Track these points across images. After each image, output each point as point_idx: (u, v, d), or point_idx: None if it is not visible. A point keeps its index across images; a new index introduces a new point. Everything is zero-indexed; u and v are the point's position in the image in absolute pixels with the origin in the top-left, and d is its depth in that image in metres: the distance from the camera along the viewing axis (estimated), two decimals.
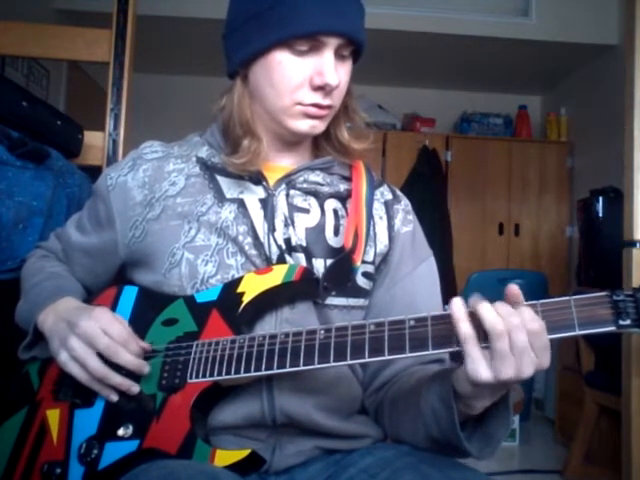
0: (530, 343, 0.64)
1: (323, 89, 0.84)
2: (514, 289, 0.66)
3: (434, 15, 3.61)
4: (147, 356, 0.82)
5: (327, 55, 0.83)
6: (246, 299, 0.82)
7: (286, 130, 0.89)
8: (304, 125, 0.88)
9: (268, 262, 0.86)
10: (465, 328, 0.66)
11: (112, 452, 0.77)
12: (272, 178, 0.91)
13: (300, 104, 0.86)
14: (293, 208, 0.90)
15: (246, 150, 0.88)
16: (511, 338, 0.64)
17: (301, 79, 0.84)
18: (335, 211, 0.93)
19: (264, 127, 0.91)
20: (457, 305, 0.67)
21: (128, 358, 0.79)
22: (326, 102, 0.86)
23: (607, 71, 3.71)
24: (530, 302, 0.67)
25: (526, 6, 3.69)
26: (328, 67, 0.83)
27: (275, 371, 0.74)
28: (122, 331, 0.80)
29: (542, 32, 3.62)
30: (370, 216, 0.92)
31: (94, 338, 0.79)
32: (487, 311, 0.65)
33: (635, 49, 1.67)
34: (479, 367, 0.65)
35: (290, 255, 0.86)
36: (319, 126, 0.89)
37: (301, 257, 0.87)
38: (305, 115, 0.87)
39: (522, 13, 3.69)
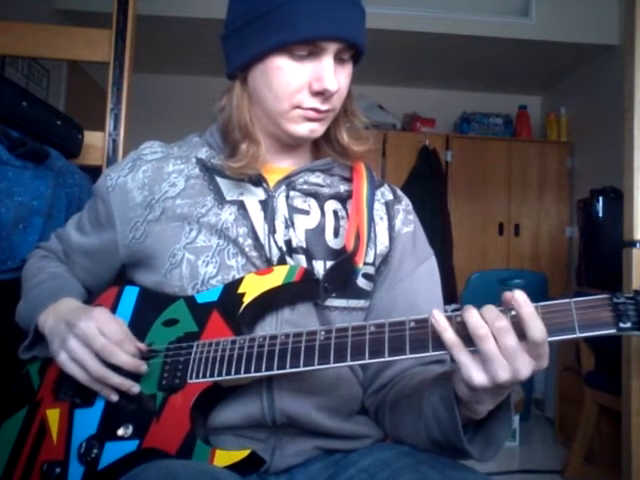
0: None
1: (322, 94, 0.84)
2: (507, 295, 0.66)
3: (434, 15, 3.61)
4: (147, 356, 0.82)
5: (326, 60, 0.83)
6: (247, 300, 0.82)
7: (285, 133, 0.89)
8: (303, 129, 0.87)
9: (269, 263, 0.86)
10: (449, 336, 0.66)
11: (112, 452, 0.77)
12: (272, 180, 0.91)
13: (299, 107, 0.85)
14: (293, 209, 0.90)
15: (244, 154, 0.87)
16: (498, 341, 0.64)
17: (300, 84, 0.84)
18: (335, 212, 0.92)
19: (263, 130, 0.91)
20: (437, 316, 0.68)
21: (124, 358, 0.79)
22: (325, 107, 0.85)
23: (607, 71, 3.71)
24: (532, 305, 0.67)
25: (526, 6, 3.69)
26: (327, 73, 0.82)
27: (275, 372, 0.74)
28: (117, 331, 0.80)
29: (542, 32, 3.62)
30: (371, 217, 0.92)
31: (91, 338, 0.79)
32: (470, 315, 0.65)
33: (635, 49, 1.67)
34: (471, 372, 0.65)
35: (291, 257, 0.86)
36: (318, 130, 0.89)
37: (302, 259, 0.87)
38: (304, 118, 0.86)
39: (522, 13, 3.69)
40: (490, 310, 0.66)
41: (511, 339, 0.64)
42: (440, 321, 0.67)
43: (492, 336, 0.64)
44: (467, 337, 0.66)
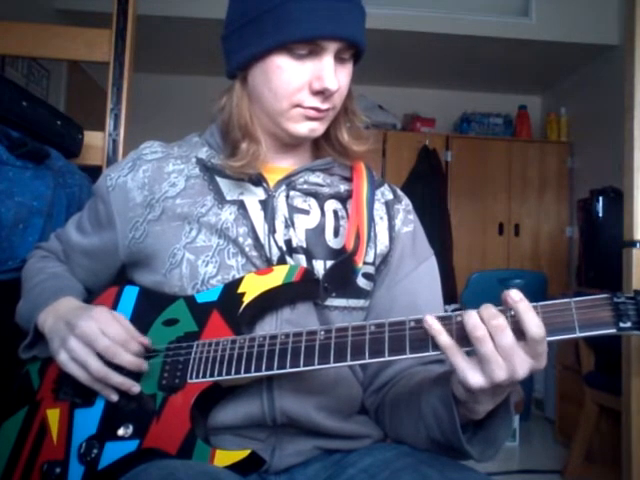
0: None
1: (322, 93, 0.84)
2: (504, 295, 0.66)
3: (434, 15, 3.61)
4: (148, 356, 0.82)
5: (326, 60, 0.83)
6: (247, 299, 0.82)
7: (285, 133, 0.89)
8: (303, 128, 0.87)
9: (269, 263, 0.86)
10: (444, 340, 0.67)
11: (112, 452, 0.77)
12: (272, 179, 0.91)
13: (299, 106, 0.85)
14: (293, 209, 0.90)
15: (244, 153, 0.87)
16: (495, 340, 0.64)
17: (300, 83, 0.84)
18: (335, 212, 0.92)
19: (263, 129, 0.91)
20: (430, 321, 0.68)
21: (127, 358, 0.79)
22: (325, 106, 0.85)
23: (607, 71, 3.71)
24: (531, 304, 0.67)
25: (526, 6, 3.69)
26: (327, 72, 0.82)
27: (275, 371, 0.74)
28: (120, 331, 0.80)
29: (542, 32, 3.63)
30: (371, 217, 0.92)
31: (93, 339, 0.79)
32: (468, 317, 0.66)
33: (635, 49, 1.67)
34: (467, 374, 0.65)
35: (291, 256, 0.86)
36: (318, 129, 0.89)
37: (302, 258, 0.87)
38: (304, 117, 0.86)
39: (522, 13, 3.69)
40: (487, 309, 0.66)
41: (507, 337, 0.64)
42: (433, 325, 0.68)
43: (489, 337, 0.64)
44: (465, 337, 0.66)
